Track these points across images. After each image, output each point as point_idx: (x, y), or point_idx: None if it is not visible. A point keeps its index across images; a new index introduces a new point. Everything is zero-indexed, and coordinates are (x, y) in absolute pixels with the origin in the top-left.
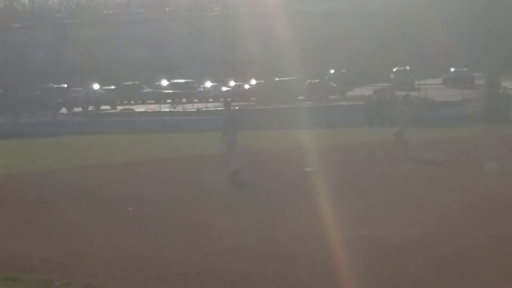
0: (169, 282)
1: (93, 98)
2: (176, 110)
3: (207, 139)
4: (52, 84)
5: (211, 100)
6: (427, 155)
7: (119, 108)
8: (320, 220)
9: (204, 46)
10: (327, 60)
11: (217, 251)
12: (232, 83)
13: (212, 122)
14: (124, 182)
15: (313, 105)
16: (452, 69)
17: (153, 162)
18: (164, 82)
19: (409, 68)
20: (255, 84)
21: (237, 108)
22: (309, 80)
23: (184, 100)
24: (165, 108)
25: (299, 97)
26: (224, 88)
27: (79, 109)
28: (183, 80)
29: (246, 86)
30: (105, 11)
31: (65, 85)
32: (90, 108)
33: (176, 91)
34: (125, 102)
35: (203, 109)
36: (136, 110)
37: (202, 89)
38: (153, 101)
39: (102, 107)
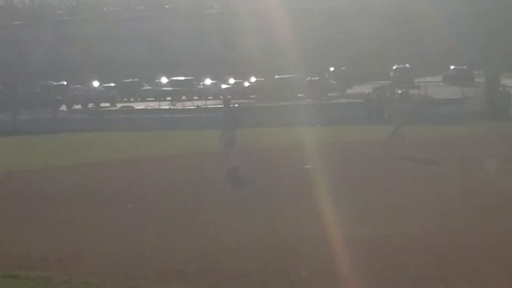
0: (169, 279)
1: (92, 96)
2: (175, 107)
3: (207, 137)
4: (51, 81)
5: (210, 97)
6: (427, 153)
7: (119, 105)
8: (320, 218)
9: (204, 43)
10: (327, 57)
11: (217, 249)
12: (231, 81)
13: (211, 119)
14: (123, 179)
15: (313, 103)
16: (452, 67)
17: (152, 160)
18: (164, 80)
19: (409, 66)
20: (254, 82)
21: (236, 105)
22: (309, 77)
23: (183, 97)
24: (165, 105)
25: (299, 95)
26: (223, 86)
27: (79, 106)
28: (182, 78)
29: (246, 84)
30: (105, 9)
31: (65, 82)
32: (90, 105)
33: (176, 88)
34: (125, 99)
35: (202, 106)
36: (136, 107)
37: (201, 86)
38: (153, 99)
39: (102, 104)
